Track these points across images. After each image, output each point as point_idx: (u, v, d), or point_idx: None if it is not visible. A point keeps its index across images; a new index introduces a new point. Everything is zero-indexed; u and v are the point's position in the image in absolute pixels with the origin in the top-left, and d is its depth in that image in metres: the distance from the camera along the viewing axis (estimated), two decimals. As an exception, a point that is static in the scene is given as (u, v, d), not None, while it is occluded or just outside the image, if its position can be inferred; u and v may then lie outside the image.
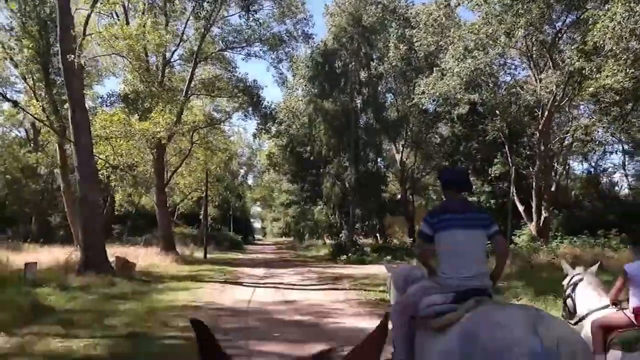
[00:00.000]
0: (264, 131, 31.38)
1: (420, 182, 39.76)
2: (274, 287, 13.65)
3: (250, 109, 26.19)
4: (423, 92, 25.49)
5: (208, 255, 24.50)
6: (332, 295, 12.00)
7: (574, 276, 4.11)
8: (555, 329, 2.35)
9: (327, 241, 29.77)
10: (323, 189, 24.79)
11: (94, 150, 16.29)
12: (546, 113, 27.08)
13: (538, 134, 27.88)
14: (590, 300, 3.81)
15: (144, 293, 11.82)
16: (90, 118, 16.87)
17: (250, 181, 65.02)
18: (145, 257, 19.12)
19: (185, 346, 6.23)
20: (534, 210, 28.92)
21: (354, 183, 24.33)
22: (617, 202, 32.76)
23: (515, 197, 29.53)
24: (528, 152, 30.68)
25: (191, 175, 27.81)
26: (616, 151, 43.67)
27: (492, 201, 31.18)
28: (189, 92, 23.65)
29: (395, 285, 3.86)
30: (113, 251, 17.08)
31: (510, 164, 29.35)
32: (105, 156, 20.49)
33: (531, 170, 28.99)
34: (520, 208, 29.38)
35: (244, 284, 14.57)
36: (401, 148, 35.97)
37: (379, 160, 30.15)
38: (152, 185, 24.50)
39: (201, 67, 25.61)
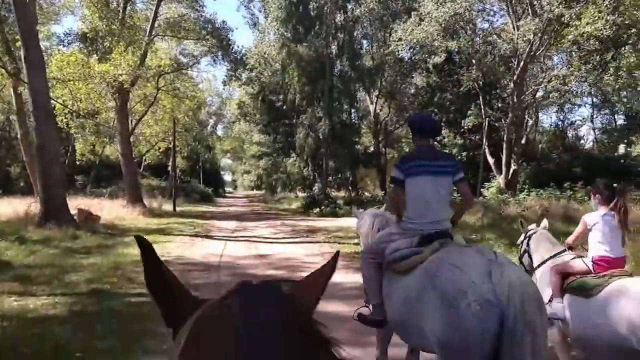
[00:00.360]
0: (234, 78, 30.11)
1: (394, 134, 39.52)
2: (246, 241, 13.27)
3: (219, 53, 24.86)
4: (400, 39, 24.69)
5: (177, 208, 23.83)
6: (306, 249, 11.71)
7: (527, 232, 4.23)
8: (509, 275, 2.38)
9: (300, 194, 29.40)
10: (296, 140, 24.05)
11: (51, 95, 15.10)
12: (522, 63, 26.85)
13: (512, 85, 27.74)
14: (544, 249, 3.92)
15: (109, 247, 11.25)
16: (46, 59, 15.53)
17: (219, 132, 63.49)
18: (110, 209, 18.38)
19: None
20: (503, 163, 29.22)
21: (328, 134, 23.71)
22: (583, 155, 33.42)
23: (487, 150, 29.73)
24: (501, 105, 30.64)
25: (158, 124, 26.58)
26: (585, 104, 44.32)
27: (464, 154, 31.29)
28: (153, 33, 22.10)
29: (363, 230, 3.87)
30: (76, 203, 16.30)
31: (484, 116, 29.30)
32: (63, 101, 19.15)
33: (503, 122, 29.06)
34: (491, 161, 29.63)
35: (215, 237, 14.12)
36: (375, 99, 35.33)
37: (352, 111, 29.44)
38: (116, 134, 23.31)
39: (166, 5, 23.87)
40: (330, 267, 0.87)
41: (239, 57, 25.95)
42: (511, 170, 28.99)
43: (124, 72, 18.23)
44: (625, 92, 43.32)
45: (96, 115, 23.58)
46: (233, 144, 63.57)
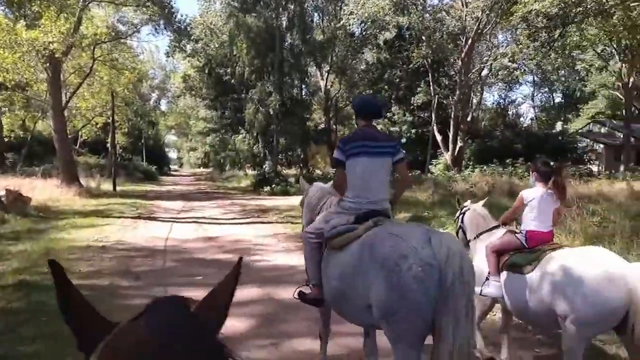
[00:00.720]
0: (177, 50, 28.51)
1: (344, 111, 39.31)
2: (194, 222, 12.58)
3: (161, 22, 23.28)
4: (352, 13, 24.22)
5: (118, 188, 22.48)
6: (258, 230, 11.24)
7: (462, 208, 4.36)
8: (447, 241, 2.51)
9: (249, 172, 28.59)
10: (245, 115, 23.09)
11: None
12: (469, 41, 27.19)
13: (460, 63, 28.11)
14: (477, 225, 4.05)
15: (41, 232, 10.27)
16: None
17: (163, 107, 60.80)
18: (43, 190, 16.97)
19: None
20: (450, 140, 29.81)
21: (279, 110, 22.99)
22: (524, 132, 34.69)
23: (435, 127, 30.17)
24: (449, 82, 31.06)
25: (94, 97, 24.79)
26: (525, 82, 45.99)
27: (413, 130, 31.61)
28: (88, -3, 20.35)
29: (307, 204, 3.88)
30: (4, 183, 14.91)
31: (432, 94, 29.60)
32: (-15, 71, 17.33)
33: (451, 100, 29.52)
34: (439, 138, 30.15)
35: (160, 219, 13.30)
36: (326, 74, 34.83)
37: (303, 87, 28.77)
38: (48, 108, 21.50)
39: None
40: (232, 279, 0.85)
41: (183, 27, 24.46)
42: (457, 147, 29.63)
43: (56, 39, 16.65)
44: (563, 72, 45.45)
45: (26, 88, 21.62)
46: (178, 120, 61.21)
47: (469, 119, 30.31)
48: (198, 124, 40.63)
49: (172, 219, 13.12)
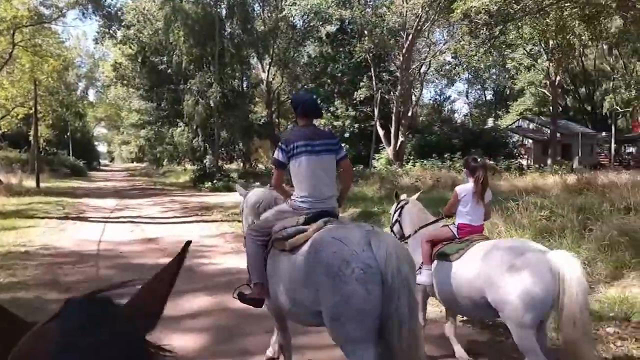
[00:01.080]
0: (107, 36, 26.59)
1: (286, 104, 38.71)
2: (130, 222, 11.59)
3: (89, 6, 21.54)
4: (294, 4, 23.67)
5: (42, 185, 20.53)
6: (202, 229, 10.53)
7: (399, 202, 4.45)
8: (386, 242, 2.60)
9: (189, 167, 27.26)
10: (184, 107, 21.90)
11: None
12: (410, 37, 27.55)
13: (401, 58, 28.44)
14: (414, 219, 4.17)
15: (-51, 236, 9.00)
16: None
17: (91, 97, 57.00)
18: (-48, 187, 15.12)
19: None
20: (392, 134, 30.19)
21: (220, 102, 21.99)
22: (461, 128, 35.85)
23: (377, 122, 30.42)
24: (390, 77, 31.36)
25: (14, 86, 22.56)
26: (459, 80, 47.77)
27: (356, 125, 31.66)
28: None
29: (249, 210, 3.82)
30: None
31: (375, 88, 29.76)
32: None
33: (392, 95, 29.84)
34: (381, 133, 30.43)
35: (91, 219, 12.17)
36: (268, 67, 34.06)
37: (244, 78, 27.83)
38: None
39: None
40: (174, 266, 0.77)
41: (113, 11, 22.79)
42: (399, 142, 30.07)
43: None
44: (494, 70, 47.57)
45: None
46: (108, 111, 57.67)
47: (409, 114, 30.83)
48: (131, 116, 38.38)
49: (104, 219, 12.06)
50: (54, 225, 10.72)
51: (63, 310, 0.68)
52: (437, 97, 53.00)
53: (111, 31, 25.18)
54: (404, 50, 27.81)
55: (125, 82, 30.67)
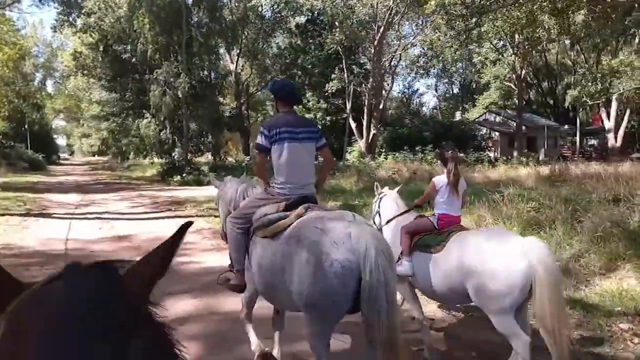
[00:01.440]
0: (66, 24, 25.22)
1: (255, 96, 37.96)
2: (97, 218, 10.91)
3: (46, -9, 20.30)
4: (263, -7, 23.11)
5: (-2, 179, 19.38)
6: (176, 225, 9.84)
7: (380, 194, 4.56)
8: (366, 235, 2.62)
9: (156, 160, 26.26)
10: (150, 98, 20.95)
11: None
12: (381, 29, 27.43)
13: (373, 51, 28.29)
14: (391, 209, 4.27)
15: None
16: None
17: (49, 88, 54.40)
18: None
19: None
20: (364, 127, 30.09)
21: (188, 93, 21.18)
22: (431, 121, 36.11)
23: (349, 115, 30.23)
24: (362, 70, 31.20)
25: (-35, 75, 21.13)
26: (427, 73, 48.22)
27: (328, 118, 31.36)
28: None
29: (227, 196, 3.82)
30: None
31: (346, 81, 29.53)
32: None
33: (364, 88, 29.70)
34: (353, 125, 30.27)
35: (55, 215, 11.40)
36: (236, 58, 33.23)
37: (213, 69, 26.98)
38: None
39: None
40: (176, 238, 0.78)
41: (73, -2, 21.58)
42: (371, 135, 30.01)
43: None
44: (461, 64, 48.23)
45: None
46: (67, 103, 55.24)
47: (381, 107, 30.78)
48: (92, 108, 36.78)
49: (69, 216, 11.33)
50: (15, 223, 9.95)
51: (65, 274, 0.67)
52: (405, 90, 53.37)
53: (70, 19, 23.89)
54: (375, 43, 27.69)
55: (85, 72, 29.26)
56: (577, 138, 34.43)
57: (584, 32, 30.46)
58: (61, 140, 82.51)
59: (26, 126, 41.02)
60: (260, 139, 3.22)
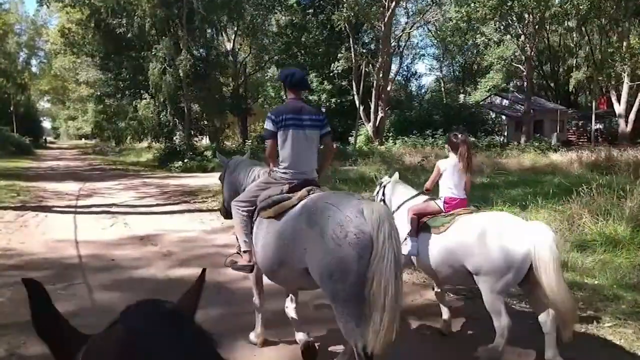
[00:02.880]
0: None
1: (253, 78, 36.21)
2: (105, 212, 9.46)
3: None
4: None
5: (-16, 165, 17.70)
6: (201, 222, 8.61)
7: (381, 184, 4.60)
8: (378, 210, 2.71)
9: (156, 145, 24.52)
10: (150, 77, 19.25)
11: None
12: (392, 4, 25.94)
13: (383, 28, 26.76)
14: (399, 195, 4.28)
15: None
16: None
17: (34, 69, 51.78)
18: None
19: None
20: (372, 110, 28.68)
21: (190, 71, 19.51)
22: (441, 104, 34.75)
23: (356, 97, 28.81)
24: (369, 49, 29.69)
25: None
26: (427, 55, 46.82)
27: (333, 100, 29.83)
28: None
29: (231, 179, 3.94)
30: None
31: (353, 60, 28.00)
32: None
33: (372, 68, 28.20)
34: (360, 108, 28.86)
35: (55, 208, 9.90)
36: (233, 36, 31.45)
37: (216, 45, 25.19)
38: None
39: None
40: (198, 287, 0.89)
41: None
42: (378, 118, 28.63)
43: None
44: (463, 45, 46.78)
45: None
46: (53, 84, 52.74)
47: (389, 88, 29.35)
48: (79, 89, 34.77)
49: (71, 209, 9.88)
50: (10, 219, 8.47)
51: (122, 315, 0.73)
52: (405, 72, 51.83)
53: (57, -9, 21.96)
54: (386, 19, 26.18)
55: (75, 49, 27.24)
56: (592, 122, 33.40)
57: (593, 13, 29.43)
58: (46, 123, 79.73)
59: (11, 108, 38.84)
60: (268, 125, 3.32)
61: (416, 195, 4.16)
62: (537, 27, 30.78)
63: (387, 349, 2.61)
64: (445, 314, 3.96)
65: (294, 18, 31.24)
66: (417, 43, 33.48)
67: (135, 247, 6.70)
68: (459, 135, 3.87)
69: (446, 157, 4.02)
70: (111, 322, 0.72)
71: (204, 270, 0.93)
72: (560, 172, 12.98)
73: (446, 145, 4.08)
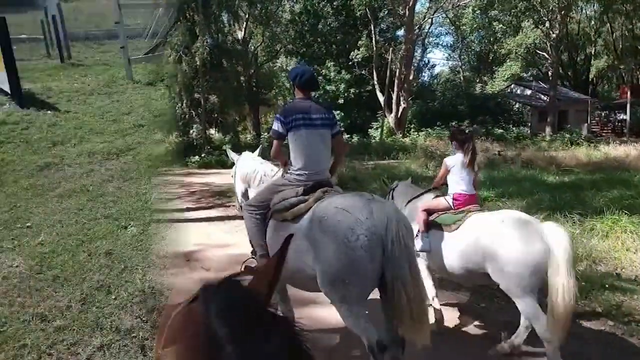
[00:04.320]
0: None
1: (264, 68, 34.68)
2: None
3: None
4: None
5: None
6: (243, 231, 7.25)
7: (390, 188, 4.65)
8: (387, 210, 2.77)
9: (169, 138, 23.03)
10: (164, 66, 17.83)
11: None
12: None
13: (407, 12, 25.23)
14: (408, 195, 4.29)
15: None
16: None
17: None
18: None
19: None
20: (394, 100, 27.22)
21: (206, 59, 18.09)
22: (464, 93, 33.20)
23: (377, 86, 27.36)
24: (389, 36, 28.16)
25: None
26: (441, 44, 45.30)
27: (352, 90, 28.27)
28: None
29: (241, 175, 3.93)
30: None
31: (374, 48, 26.52)
32: None
33: (394, 56, 26.70)
34: (381, 99, 27.41)
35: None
36: (244, 24, 29.94)
37: (234, 32, 23.70)
38: None
39: None
40: (282, 253, 0.89)
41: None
42: (401, 109, 27.18)
43: None
44: (481, 32, 45.19)
45: None
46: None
47: (411, 77, 27.82)
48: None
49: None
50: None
51: (202, 293, 0.75)
52: (419, 62, 50.23)
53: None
54: (410, 3, 24.61)
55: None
56: (628, 113, 31.91)
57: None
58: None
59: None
60: (276, 125, 3.31)
61: (424, 193, 4.19)
62: (562, 12, 29.44)
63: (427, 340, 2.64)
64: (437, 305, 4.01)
65: (308, 5, 29.68)
66: (432, 31, 31.70)
67: (181, 271, 5.33)
68: (466, 132, 3.95)
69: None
70: (192, 297, 0.74)
71: (289, 236, 0.92)
72: (633, 168, 11.59)
73: (452, 142, 4.05)
